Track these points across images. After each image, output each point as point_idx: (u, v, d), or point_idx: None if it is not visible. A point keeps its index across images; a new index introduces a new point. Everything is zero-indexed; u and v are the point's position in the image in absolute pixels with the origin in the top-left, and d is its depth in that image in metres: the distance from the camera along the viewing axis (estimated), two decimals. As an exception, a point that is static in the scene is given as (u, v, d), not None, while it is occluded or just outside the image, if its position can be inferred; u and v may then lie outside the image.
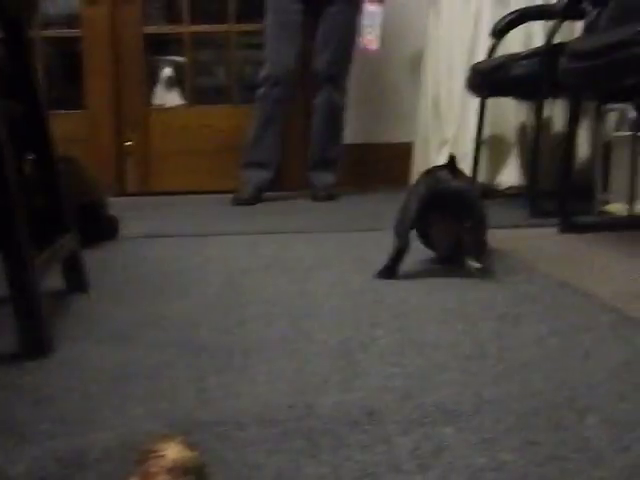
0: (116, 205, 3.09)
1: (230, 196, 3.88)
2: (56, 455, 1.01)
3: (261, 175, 3.94)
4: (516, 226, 2.96)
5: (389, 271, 2.10)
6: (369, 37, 3.98)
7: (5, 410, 1.19)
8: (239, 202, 3.83)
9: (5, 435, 1.09)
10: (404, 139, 4.46)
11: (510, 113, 4.06)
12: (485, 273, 2.07)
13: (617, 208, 3.11)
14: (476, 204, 2.15)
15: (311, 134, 4.05)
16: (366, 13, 3.93)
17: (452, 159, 2.12)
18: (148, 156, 4.49)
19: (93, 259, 2.34)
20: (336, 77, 3.94)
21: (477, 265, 2.07)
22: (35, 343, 1.46)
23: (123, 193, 4.41)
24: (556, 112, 4.02)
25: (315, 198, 3.95)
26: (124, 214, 3.06)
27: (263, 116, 3.90)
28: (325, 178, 4.01)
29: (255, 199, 3.87)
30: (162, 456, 0.85)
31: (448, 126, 4.24)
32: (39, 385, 1.30)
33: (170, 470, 0.84)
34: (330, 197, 3.93)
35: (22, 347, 1.44)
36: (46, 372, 1.36)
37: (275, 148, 3.94)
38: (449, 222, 2.15)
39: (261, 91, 3.89)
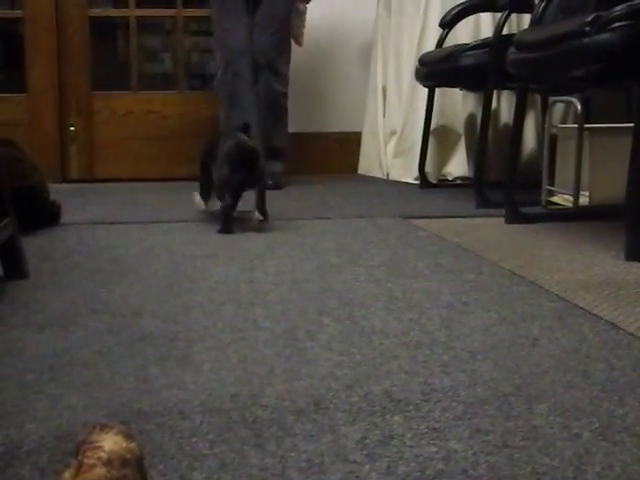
0: (59, 191, 3.02)
1: (176, 184, 3.82)
2: (-8, 445, 0.97)
3: None
4: (463, 216, 2.96)
5: (227, 228, 2.57)
6: (297, 33, 3.96)
7: (-64, 400, 1.14)
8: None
9: None
10: (353, 129, 4.45)
11: (458, 104, 4.07)
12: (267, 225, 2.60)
13: (563, 199, 3.13)
14: (262, 162, 2.65)
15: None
16: (295, 11, 3.91)
17: (246, 125, 2.68)
18: (92, 142, 4.40)
19: (34, 245, 2.28)
20: (275, 64, 3.88)
21: (261, 217, 2.59)
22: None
23: (66, 179, 4.32)
24: (504, 103, 4.04)
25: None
26: (67, 200, 2.99)
27: (228, 98, 3.85)
28: (272, 167, 3.96)
29: None
30: (99, 447, 0.82)
31: (397, 116, 4.24)
32: (-26, 374, 1.25)
33: (107, 462, 0.80)
34: (277, 186, 3.88)
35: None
36: (-19, 360, 1.31)
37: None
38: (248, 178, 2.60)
39: (220, 76, 3.84)
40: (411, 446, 0.96)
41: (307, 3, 3.95)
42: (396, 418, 1.05)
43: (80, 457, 0.81)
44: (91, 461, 0.80)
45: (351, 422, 1.03)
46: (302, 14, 3.93)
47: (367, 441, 0.98)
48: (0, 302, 1.70)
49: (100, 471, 0.79)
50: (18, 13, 4.35)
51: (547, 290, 1.77)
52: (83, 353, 1.34)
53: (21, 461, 0.94)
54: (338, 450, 0.95)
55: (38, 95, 4.34)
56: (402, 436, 0.99)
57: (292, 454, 0.94)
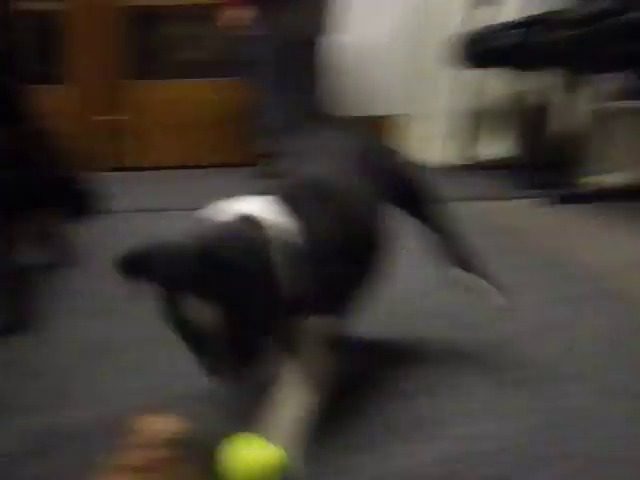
0: (110, 180, 3.07)
1: (228, 170, 3.85)
2: (41, 428, 1.02)
3: None
4: (507, 198, 2.94)
5: None
6: None
7: (-10, 384, 1.19)
8: None
9: (-11, 408, 1.09)
10: (393, 112, 4.45)
11: (504, 84, 4.03)
12: None
13: (609, 179, 3.10)
14: None
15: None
16: None
17: None
18: (144, 130, 4.46)
19: (83, 233, 2.33)
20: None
21: None
22: (21, 318, 1.45)
23: (117, 168, 4.39)
24: (548, 83, 4.00)
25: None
26: (117, 189, 3.04)
27: None
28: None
29: None
30: (146, 429, 0.85)
31: (442, 98, 4.22)
32: (25, 359, 1.29)
33: (154, 444, 0.84)
34: None
35: (8, 322, 1.44)
36: (32, 346, 1.36)
37: None
38: None
39: None
40: None
41: None
42: None
43: (127, 438, 0.85)
44: (138, 442, 0.84)
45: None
46: None
47: None
48: (50, 289, 1.75)
49: (146, 452, 0.83)
50: (59, 5, 4.42)
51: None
52: (130, 338, 1.38)
53: (72, 441, 0.98)
54: None
55: (87, 85, 4.40)
56: None
57: None
